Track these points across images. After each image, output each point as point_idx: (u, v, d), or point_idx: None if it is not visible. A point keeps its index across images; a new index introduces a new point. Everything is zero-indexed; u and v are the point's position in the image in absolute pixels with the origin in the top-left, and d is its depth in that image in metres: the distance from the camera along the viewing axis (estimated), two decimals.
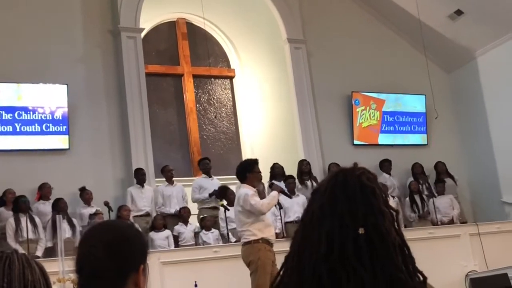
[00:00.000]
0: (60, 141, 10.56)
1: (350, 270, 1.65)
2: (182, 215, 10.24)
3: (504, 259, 9.70)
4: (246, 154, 12.44)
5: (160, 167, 11.08)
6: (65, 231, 9.25)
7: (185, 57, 12.66)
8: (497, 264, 9.77)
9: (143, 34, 11.76)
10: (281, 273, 1.81)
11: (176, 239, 10.03)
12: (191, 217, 10.41)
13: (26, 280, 1.84)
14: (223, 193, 10.38)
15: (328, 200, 1.76)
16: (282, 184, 10.39)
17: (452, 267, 9.90)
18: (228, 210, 9.91)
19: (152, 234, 9.80)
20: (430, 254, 9.35)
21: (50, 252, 9.14)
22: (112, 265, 1.89)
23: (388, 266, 1.66)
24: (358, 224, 1.69)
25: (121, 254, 1.92)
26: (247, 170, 7.47)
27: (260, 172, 7.61)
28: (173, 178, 10.84)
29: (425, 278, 1.73)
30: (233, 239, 9.85)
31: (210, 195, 10.54)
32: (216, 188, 10.60)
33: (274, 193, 7.67)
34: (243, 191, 7.37)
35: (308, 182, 11.21)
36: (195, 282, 8.29)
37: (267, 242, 7.23)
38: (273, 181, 9.76)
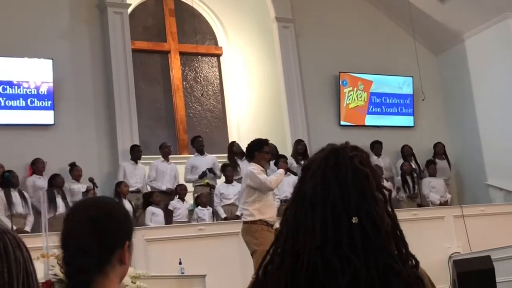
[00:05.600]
0: (45, 117, 10.46)
1: (344, 262, 1.62)
2: (179, 192, 10.31)
3: (488, 241, 9.74)
4: (232, 133, 12.42)
5: (146, 144, 11.20)
6: (59, 206, 9.26)
7: (172, 33, 12.55)
8: (480, 246, 9.82)
9: (130, 9, 11.65)
10: (271, 251, 1.77)
11: (171, 213, 10.06)
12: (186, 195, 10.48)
13: (19, 263, 1.80)
14: (222, 170, 10.59)
15: (320, 182, 1.72)
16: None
17: (435, 248, 9.94)
18: (213, 188, 10.17)
19: (152, 209, 9.82)
20: (414, 235, 9.13)
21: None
22: (97, 240, 1.88)
23: (381, 255, 1.64)
24: (352, 213, 1.66)
25: (106, 230, 1.90)
26: (256, 149, 7.50)
27: (269, 153, 7.62)
28: (157, 155, 10.88)
29: (417, 262, 1.71)
30: (223, 215, 9.99)
31: (200, 177, 10.60)
32: (208, 167, 10.69)
33: (281, 170, 7.74)
34: (250, 168, 7.41)
35: (303, 163, 11.22)
36: (180, 259, 8.30)
37: (265, 223, 7.22)
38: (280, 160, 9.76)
